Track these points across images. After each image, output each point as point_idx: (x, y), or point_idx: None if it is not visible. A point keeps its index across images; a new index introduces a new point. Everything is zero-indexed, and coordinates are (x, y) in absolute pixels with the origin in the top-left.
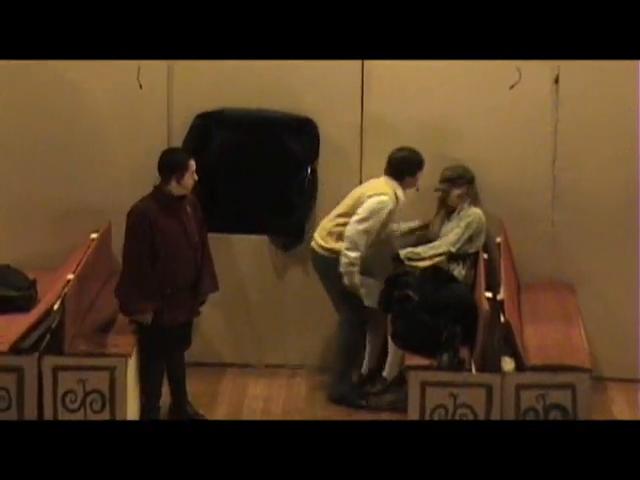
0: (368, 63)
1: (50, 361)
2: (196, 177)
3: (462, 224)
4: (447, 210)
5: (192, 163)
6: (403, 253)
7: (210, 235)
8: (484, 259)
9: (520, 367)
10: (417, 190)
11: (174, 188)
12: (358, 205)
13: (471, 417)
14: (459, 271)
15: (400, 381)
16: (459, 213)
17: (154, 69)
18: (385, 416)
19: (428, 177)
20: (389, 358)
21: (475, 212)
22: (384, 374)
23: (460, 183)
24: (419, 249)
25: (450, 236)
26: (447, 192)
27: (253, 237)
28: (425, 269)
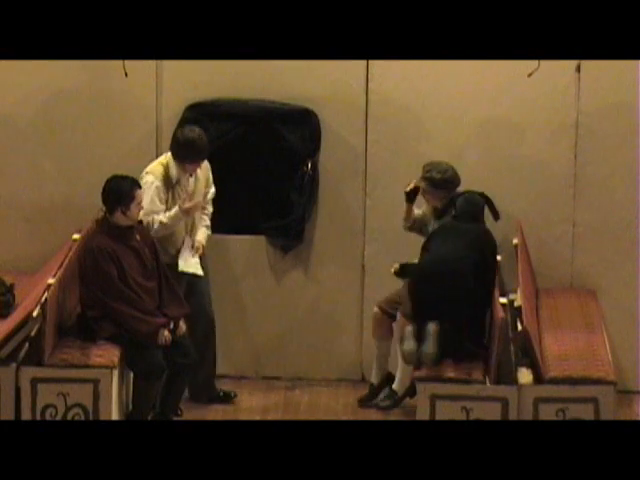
0: None
1: (29, 372)
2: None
3: None
4: (435, 208)
5: (139, 192)
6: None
7: None
8: (497, 262)
9: (538, 379)
10: None
11: (119, 219)
12: None
13: None
14: None
15: (413, 393)
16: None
17: None
18: (394, 416)
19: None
20: (399, 369)
21: None
22: (394, 386)
23: (446, 188)
24: None
25: None
26: (428, 192)
27: (249, 237)
28: None
